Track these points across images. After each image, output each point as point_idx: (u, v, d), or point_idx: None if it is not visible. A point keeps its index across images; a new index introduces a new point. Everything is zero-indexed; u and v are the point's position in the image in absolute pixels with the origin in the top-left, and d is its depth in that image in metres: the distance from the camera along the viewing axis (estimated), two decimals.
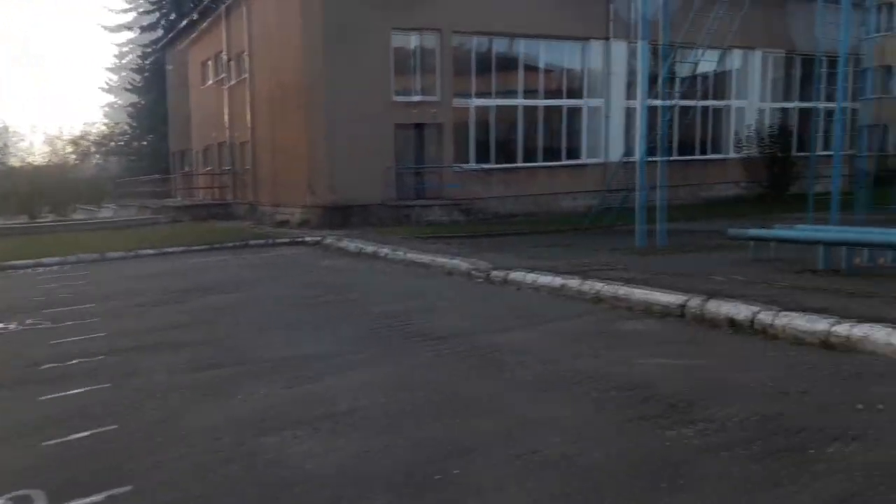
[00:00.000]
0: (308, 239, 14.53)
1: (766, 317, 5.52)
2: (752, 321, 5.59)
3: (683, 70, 15.55)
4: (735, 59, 22.38)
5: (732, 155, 22.36)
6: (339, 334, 6.21)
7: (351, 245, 12.88)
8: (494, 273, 8.65)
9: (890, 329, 4.80)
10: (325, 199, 17.11)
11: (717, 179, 22.10)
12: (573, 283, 7.53)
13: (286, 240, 14.65)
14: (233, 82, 23.29)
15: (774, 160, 20.26)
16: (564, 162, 19.84)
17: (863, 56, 23.19)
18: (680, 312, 6.19)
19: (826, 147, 25.37)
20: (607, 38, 20.18)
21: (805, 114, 24.63)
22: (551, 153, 19.79)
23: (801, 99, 24.51)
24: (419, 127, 18.07)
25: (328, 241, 13.86)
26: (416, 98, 17.89)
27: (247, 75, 21.60)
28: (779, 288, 6.67)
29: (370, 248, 12.11)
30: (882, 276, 7.45)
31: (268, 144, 20.47)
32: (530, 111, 19.38)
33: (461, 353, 5.36)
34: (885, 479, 2.99)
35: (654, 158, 12.45)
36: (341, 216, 16.98)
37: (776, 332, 5.37)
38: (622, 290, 6.93)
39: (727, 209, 18.62)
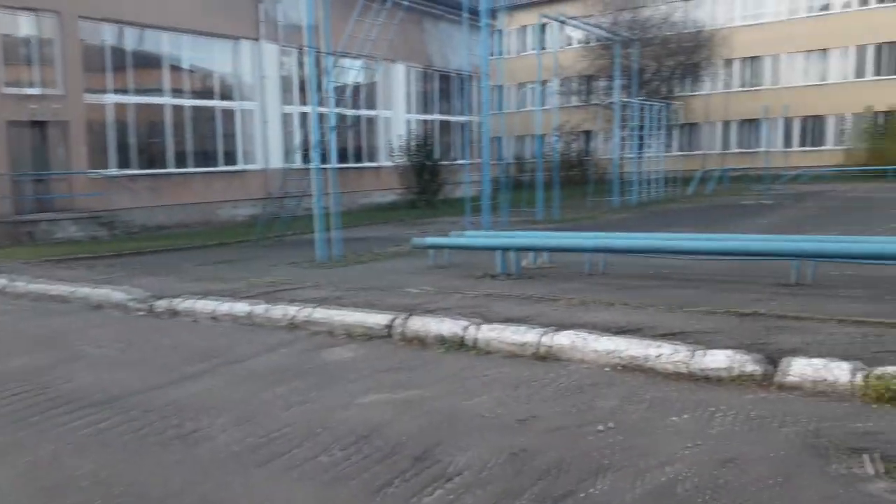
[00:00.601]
0: None
1: (475, 331, 5.29)
2: (462, 337, 5.31)
3: (341, 78, 15.44)
4: (383, 72, 23.25)
5: (386, 163, 23.22)
6: None
7: None
8: (159, 303, 7.19)
9: (595, 335, 4.88)
10: None
11: (374, 186, 22.73)
12: (260, 308, 6.55)
13: None
14: None
15: (424, 168, 21.52)
16: (221, 168, 18.38)
17: (484, 74, 26.07)
18: (386, 333, 5.68)
19: (465, 156, 28.11)
20: (258, 40, 19.24)
21: (444, 125, 26.83)
22: (206, 158, 18.16)
23: (441, 111, 26.61)
24: (40, 126, 14.99)
25: None
26: (34, 91, 14.81)
27: None
28: (473, 297, 6.59)
29: None
30: (549, 276, 7.94)
31: None
32: (179, 112, 17.50)
33: (131, 423, 4.06)
34: None
35: (325, 165, 11.97)
36: None
37: (488, 347, 5.16)
38: (319, 313, 6.18)
39: (386, 215, 19.17)
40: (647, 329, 5.07)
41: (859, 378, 3.87)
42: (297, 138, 19.73)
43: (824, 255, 6.54)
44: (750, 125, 36.73)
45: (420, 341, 5.47)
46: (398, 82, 24.12)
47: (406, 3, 13.93)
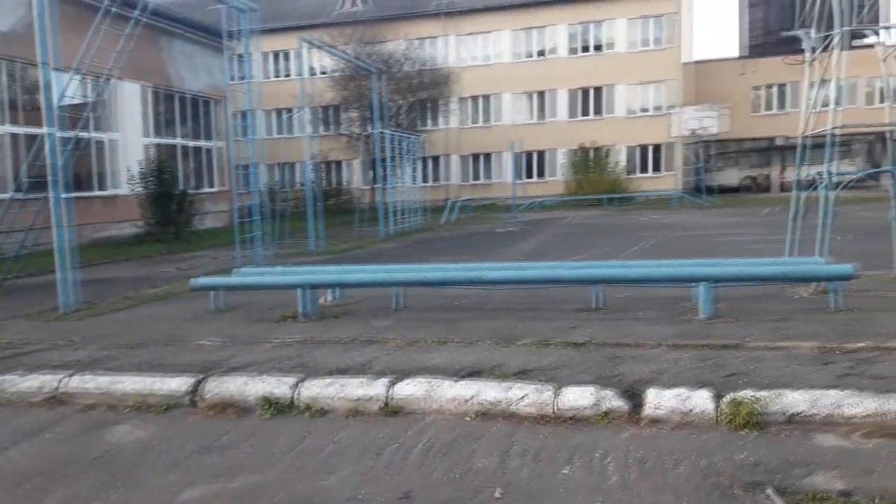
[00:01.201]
0: None
1: (308, 388, 4.53)
2: (291, 397, 4.51)
3: (69, 96, 13.24)
4: (114, 90, 20.69)
5: (121, 191, 20.61)
6: None
7: None
8: None
9: (448, 381, 4.43)
10: None
11: (109, 218, 20.00)
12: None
13: None
14: None
15: (170, 197, 19.43)
16: None
17: (249, 98, 24.75)
18: (189, 401, 4.64)
19: (210, 184, 26.13)
20: None
21: (189, 150, 24.74)
22: None
23: (184, 136, 24.52)
24: None
25: None
26: None
27: None
28: (286, 346, 5.75)
29: None
30: (354, 314, 7.34)
31: None
32: None
33: None
34: None
35: (51, 195, 10.00)
36: None
37: (324, 406, 4.44)
38: (90, 381, 4.90)
39: (129, 251, 16.90)
40: (495, 368, 4.75)
41: (722, 406, 3.91)
42: (11, 164, 16.62)
43: (627, 280, 6.88)
44: (484, 158, 39.59)
45: (236, 408, 4.55)
46: (132, 103, 21.66)
47: (145, 19, 12.41)
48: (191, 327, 6.81)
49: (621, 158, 37.53)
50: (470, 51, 39.44)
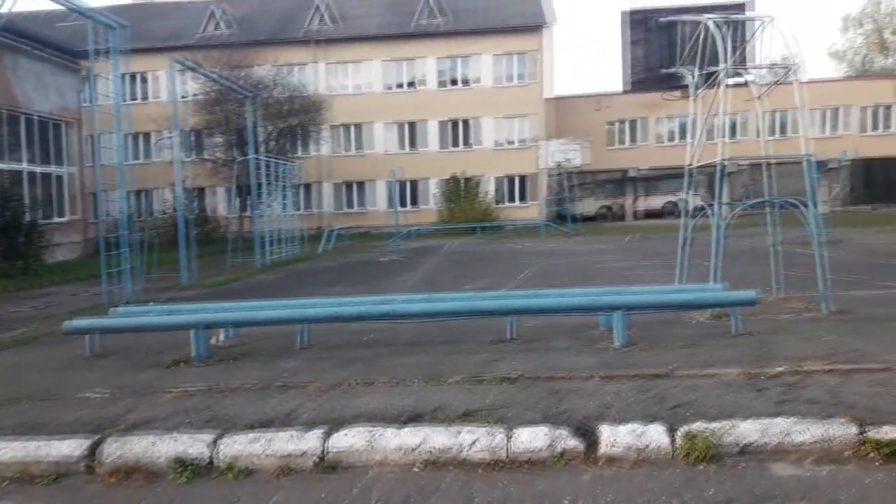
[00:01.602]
0: None
1: (226, 446, 4.01)
2: (209, 457, 3.97)
3: None
4: None
5: None
6: None
7: None
8: None
9: (390, 429, 4.07)
10: None
11: None
12: None
13: None
14: None
15: (18, 228, 17.45)
16: None
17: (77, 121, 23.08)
18: (86, 466, 3.97)
19: (61, 213, 23.85)
20: None
21: (35, 176, 22.51)
22: None
23: (29, 161, 22.28)
24: None
25: None
26: None
27: None
28: (189, 396, 5.11)
29: None
30: (255, 355, 6.74)
31: None
32: None
33: None
34: None
35: None
36: None
37: (249, 465, 3.94)
38: None
39: None
40: (436, 411, 4.44)
41: (678, 439, 3.85)
42: None
43: (547, 310, 6.82)
44: (357, 186, 39.24)
45: (143, 472, 3.93)
46: None
47: None
48: (68, 377, 5.96)
49: (490, 188, 38.45)
50: (340, 79, 39.13)
